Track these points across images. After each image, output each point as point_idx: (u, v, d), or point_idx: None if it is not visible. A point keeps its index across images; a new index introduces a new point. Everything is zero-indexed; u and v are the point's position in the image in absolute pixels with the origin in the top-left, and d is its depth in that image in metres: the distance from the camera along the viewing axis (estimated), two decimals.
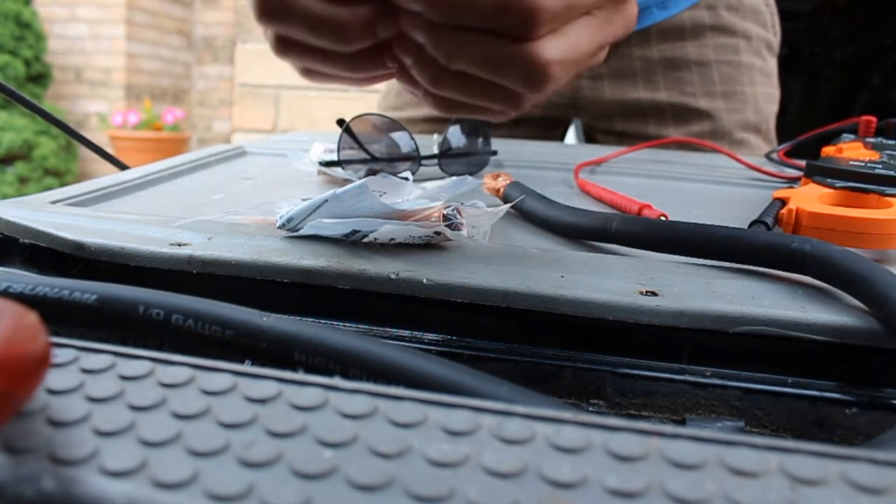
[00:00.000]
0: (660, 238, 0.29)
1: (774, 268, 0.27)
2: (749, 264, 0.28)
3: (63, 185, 0.45)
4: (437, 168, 0.50)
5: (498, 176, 0.42)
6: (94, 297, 0.20)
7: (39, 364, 0.13)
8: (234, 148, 0.58)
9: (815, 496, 0.12)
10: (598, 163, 0.56)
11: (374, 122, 0.49)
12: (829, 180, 0.37)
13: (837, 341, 0.23)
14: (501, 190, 0.40)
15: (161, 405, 0.14)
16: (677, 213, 0.37)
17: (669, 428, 0.14)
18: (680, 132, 0.72)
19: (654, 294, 0.25)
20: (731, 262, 0.28)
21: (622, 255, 0.31)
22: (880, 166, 0.38)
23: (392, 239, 0.30)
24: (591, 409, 0.24)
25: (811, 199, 0.35)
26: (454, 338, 0.26)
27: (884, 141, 0.47)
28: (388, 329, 0.26)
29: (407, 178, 0.35)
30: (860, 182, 0.36)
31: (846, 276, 0.24)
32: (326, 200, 0.29)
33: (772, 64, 0.76)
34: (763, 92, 0.75)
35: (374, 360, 0.18)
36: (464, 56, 0.25)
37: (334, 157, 0.48)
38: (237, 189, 0.45)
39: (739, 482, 0.12)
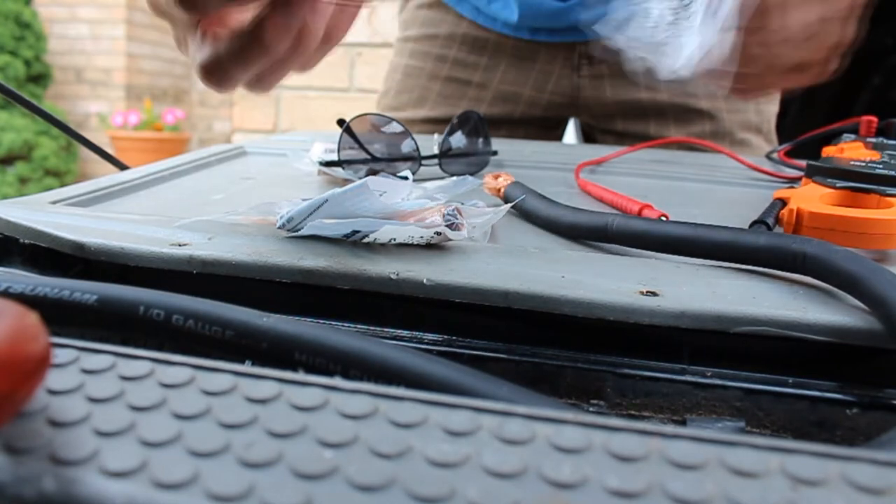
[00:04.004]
0: (660, 238, 0.29)
1: (775, 268, 0.27)
2: (750, 265, 0.28)
3: (63, 185, 0.45)
4: (437, 168, 0.50)
5: (499, 176, 0.42)
6: (95, 297, 0.20)
7: (40, 364, 0.13)
8: (235, 148, 0.58)
9: (815, 496, 0.12)
10: (598, 163, 0.56)
11: (375, 122, 0.49)
12: (829, 180, 0.37)
13: (838, 342, 0.23)
14: (502, 190, 0.40)
15: (161, 405, 0.14)
16: (678, 213, 0.37)
17: (670, 428, 0.14)
18: (681, 132, 0.72)
19: (654, 294, 0.25)
20: (732, 262, 0.28)
21: (622, 255, 0.31)
22: (881, 166, 0.38)
23: (392, 239, 0.30)
24: (591, 409, 0.24)
25: (812, 199, 0.35)
26: (454, 338, 0.26)
27: (885, 141, 0.47)
28: (388, 329, 0.26)
29: (407, 178, 0.35)
30: (861, 182, 0.36)
31: (847, 277, 0.24)
32: (326, 200, 0.29)
33: None
34: None
35: (374, 361, 0.18)
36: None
37: (334, 157, 0.48)
38: (237, 189, 0.45)
39: (740, 482, 0.12)
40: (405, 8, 0.82)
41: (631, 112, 0.74)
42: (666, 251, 0.30)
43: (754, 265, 0.28)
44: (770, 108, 0.76)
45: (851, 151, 0.44)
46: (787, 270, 0.26)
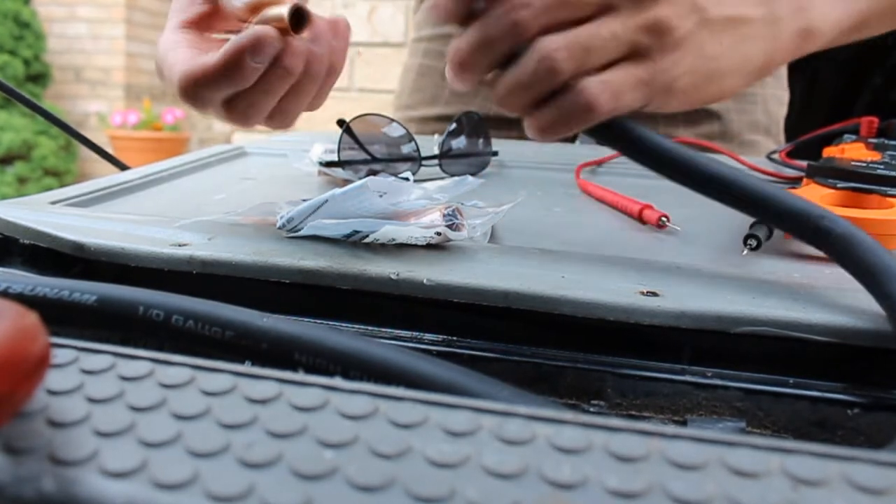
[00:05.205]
0: (694, 172, 0.28)
1: (796, 235, 0.27)
2: (773, 224, 0.27)
3: (63, 185, 0.45)
4: (437, 169, 0.50)
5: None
6: (94, 297, 0.20)
7: (39, 365, 0.13)
8: (235, 148, 0.58)
9: (816, 497, 0.12)
10: (599, 163, 0.56)
11: (375, 122, 0.49)
12: (830, 181, 0.37)
13: (838, 342, 0.23)
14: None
15: (161, 406, 0.14)
16: (678, 213, 0.37)
17: (670, 428, 0.14)
18: (690, 133, 0.72)
19: (654, 294, 0.25)
20: (757, 216, 0.28)
21: (622, 255, 0.31)
22: (882, 167, 0.38)
23: (392, 239, 0.29)
24: (591, 409, 0.24)
25: (813, 199, 0.35)
26: (454, 338, 0.26)
27: (885, 142, 0.47)
28: (389, 329, 0.26)
29: (407, 179, 0.35)
30: (862, 183, 0.36)
31: (865, 265, 0.23)
32: (327, 201, 0.29)
33: (782, 67, 0.76)
34: (773, 94, 0.75)
35: (374, 362, 0.18)
36: None
37: (335, 157, 0.48)
38: (237, 189, 0.45)
39: (741, 483, 0.12)
40: (419, 9, 0.82)
41: (641, 113, 0.74)
42: (697, 186, 0.28)
43: (777, 226, 0.27)
44: (779, 109, 0.76)
45: (852, 152, 0.44)
46: (808, 241, 0.26)
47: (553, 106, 0.27)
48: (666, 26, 0.27)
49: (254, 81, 0.30)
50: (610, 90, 0.27)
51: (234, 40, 0.29)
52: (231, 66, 0.29)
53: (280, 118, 0.34)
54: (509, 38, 0.26)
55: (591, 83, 0.27)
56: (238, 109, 0.32)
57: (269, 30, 0.29)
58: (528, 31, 0.26)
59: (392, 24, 2.40)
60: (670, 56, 0.27)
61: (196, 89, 0.30)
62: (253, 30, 0.29)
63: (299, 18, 0.30)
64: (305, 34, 0.31)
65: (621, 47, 0.27)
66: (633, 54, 0.27)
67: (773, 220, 0.27)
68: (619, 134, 0.29)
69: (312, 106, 0.34)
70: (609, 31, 0.26)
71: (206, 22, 0.35)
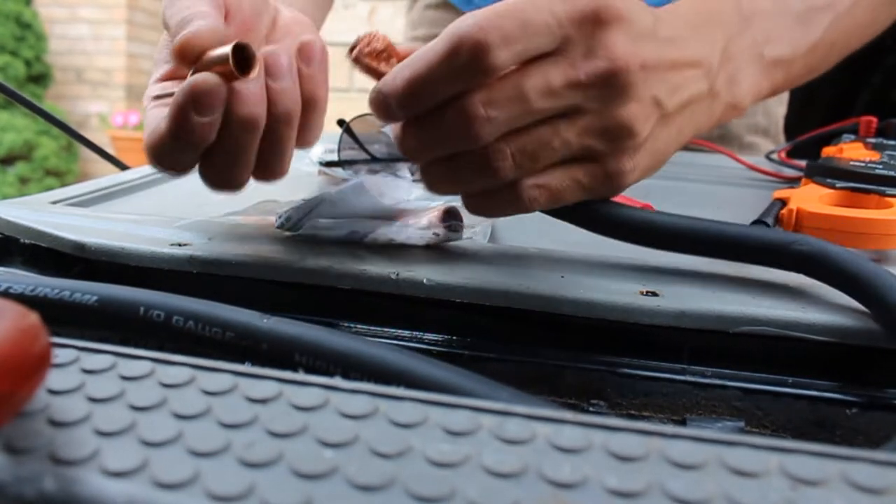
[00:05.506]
0: (655, 231, 0.28)
1: (774, 267, 0.27)
2: (747, 262, 0.27)
3: (64, 185, 0.45)
4: None
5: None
6: (95, 298, 0.20)
7: (40, 364, 0.13)
8: None
9: (815, 496, 0.12)
10: None
11: (375, 122, 0.49)
12: (829, 181, 0.37)
13: (837, 341, 0.23)
14: None
15: (161, 405, 0.14)
16: (678, 213, 0.37)
17: (670, 428, 0.14)
18: None
19: (654, 294, 0.25)
20: (730, 259, 0.28)
21: (622, 255, 0.31)
22: (881, 167, 0.38)
23: (391, 239, 0.30)
24: (591, 409, 0.24)
25: (812, 199, 0.35)
26: (454, 338, 0.26)
27: (884, 141, 0.47)
28: (389, 329, 0.26)
29: (407, 179, 0.35)
30: (860, 182, 0.36)
31: (846, 277, 0.24)
32: (323, 200, 0.29)
33: None
34: None
35: (374, 363, 0.18)
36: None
37: (335, 157, 0.48)
38: None
39: (740, 482, 0.12)
40: (413, 8, 0.82)
41: None
42: (661, 246, 0.29)
43: (753, 262, 0.27)
44: (778, 109, 0.76)
45: (851, 152, 0.44)
46: (786, 269, 0.26)
47: (489, 197, 0.26)
48: (628, 131, 0.25)
49: (213, 137, 0.26)
50: (548, 193, 0.25)
51: (174, 98, 0.26)
52: (178, 128, 0.26)
53: (266, 171, 0.29)
54: (463, 145, 0.24)
55: (528, 185, 0.25)
56: (212, 175, 0.28)
57: (206, 77, 0.25)
58: (485, 142, 0.24)
59: (392, 25, 2.40)
60: (626, 160, 0.25)
61: (157, 158, 0.27)
62: (189, 81, 0.25)
63: (243, 58, 0.25)
64: (255, 73, 0.26)
65: (571, 152, 0.25)
66: (583, 157, 0.25)
67: (748, 259, 0.27)
68: (570, 212, 0.28)
69: (303, 144, 0.31)
70: (562, 140, 0.24)
71: (178, 78, 0.31)
